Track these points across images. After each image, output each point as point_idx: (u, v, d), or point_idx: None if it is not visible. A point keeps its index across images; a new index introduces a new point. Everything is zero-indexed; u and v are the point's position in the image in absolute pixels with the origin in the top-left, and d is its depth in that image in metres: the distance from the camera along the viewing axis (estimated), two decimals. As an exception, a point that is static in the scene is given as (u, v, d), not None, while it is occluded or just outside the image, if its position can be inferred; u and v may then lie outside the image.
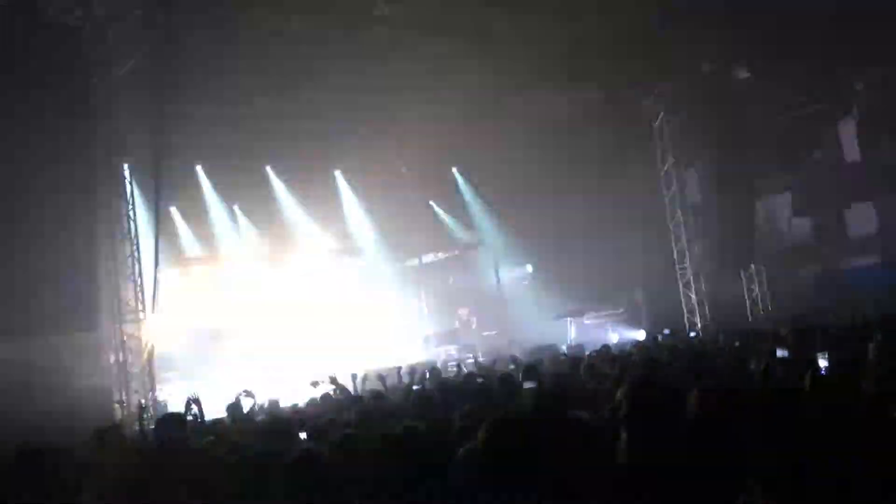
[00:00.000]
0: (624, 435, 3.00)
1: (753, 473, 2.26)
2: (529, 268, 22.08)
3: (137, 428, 7.83)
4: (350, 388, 9.21)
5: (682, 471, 2.61)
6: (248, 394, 8.70)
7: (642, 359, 6.95)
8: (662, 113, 18.75)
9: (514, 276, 22.17)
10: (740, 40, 16.82)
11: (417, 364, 15.21)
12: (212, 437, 6.58)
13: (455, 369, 12.98)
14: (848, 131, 19.78)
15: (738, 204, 18.35)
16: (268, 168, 19.04)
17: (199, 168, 18.00)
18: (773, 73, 18.16)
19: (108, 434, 6.21)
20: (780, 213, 21.26)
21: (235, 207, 19.46)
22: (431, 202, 21.82)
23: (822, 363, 4.29)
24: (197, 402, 7.42)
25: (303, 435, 5.53)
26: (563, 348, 16.36)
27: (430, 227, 21.61)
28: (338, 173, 20.31)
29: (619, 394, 4.02)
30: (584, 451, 3.44)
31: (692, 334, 16.11)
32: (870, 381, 4.64)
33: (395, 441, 4.41)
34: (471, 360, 16.10)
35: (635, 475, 2.80)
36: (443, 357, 17.99)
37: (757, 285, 19.39)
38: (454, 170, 21.42)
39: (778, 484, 2.20)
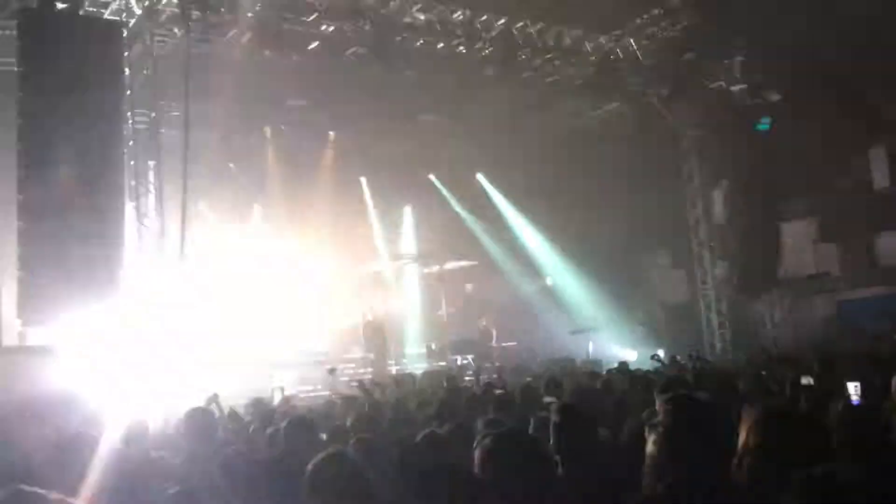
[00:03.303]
0: (654, 447, 2.98)
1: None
2: (550, 280, 22.01)
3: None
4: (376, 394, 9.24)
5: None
6: (281, 390, 8.79)
7: (669, 380, 6.90)
8: (690, 132, 18.68)
9: (534, 288, 22.10)
10: (772, 63, 16.79)
11: (434, 372, 15.28)
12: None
13: (472, 378, 12.94)
14: (879, 158, 19.61)
15: (762, 226, 18.23)
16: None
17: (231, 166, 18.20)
18: (805, 96, 18.06)
19: (136, 427, 6.26)
20: (804, 237, 21.07)
21: (255, 205, 19.62)
22: (457, 209, 21.83)
23: (850, 391, 4.23)
24: (216, 399, 7.48)
25: (322, 436, 5.58)
26: (579, 362, 16.29)
27: (453, 235, 21.62)
28: (363, 180, 20.41)
29: (644, 414, 4.02)
30: (608, 469, 3.45)
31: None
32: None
33: (416, 446, 4.45)
34: (487, 369, 16.08)
35: (665, 496, 2.79)
36: (460, 365, 17.96)
37: (778, 310, 19.23)
38: (479, 176, 21.43)
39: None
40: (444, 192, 21.45)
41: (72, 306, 10.58)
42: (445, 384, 10.08)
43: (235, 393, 10.25)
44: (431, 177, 21.00)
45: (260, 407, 8.20)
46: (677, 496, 2.77)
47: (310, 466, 3.17)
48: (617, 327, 19.78)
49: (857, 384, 3.30)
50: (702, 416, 2.93)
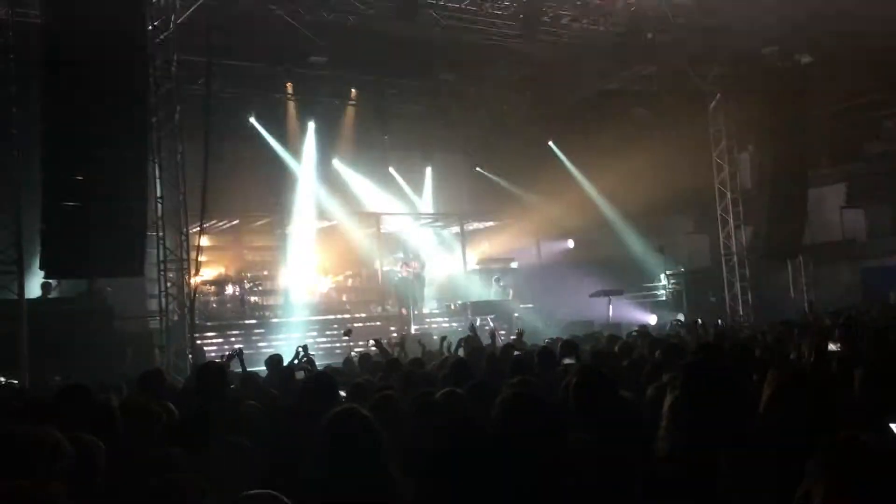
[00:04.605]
0: (668, 416, 2.94)
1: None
2: (571, 243, 21.90)
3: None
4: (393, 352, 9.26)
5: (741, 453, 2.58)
6: (305, 349, 8.79)
7: (696, 344, 6.84)
8: (719, 95, 18.34)
9: (554, 249, 22.02)
10: (804, 26, 16.36)
11: (452, 332, 15.29)
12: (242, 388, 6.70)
13: (489, 339, 12.95)
14: (911, 124, 19.23)
15: (789, 192, 17.93)
16: (311, 124, 19.05)
17: (252, 120, 18.16)
18: (837, 60, 17.64)
19: (150, 377, 6.33)
20: (831, 203, 20.80)
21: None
22: (479, 169, 21.69)
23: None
24: (240, 354, 7.51)
25: (342, 393, 5.58)
26: (598, 325, 16.26)
27: (474, 195, 21.52)
28: (387, 138, 20.31)
29: (666, 378, 3.97)
30: (629, 431, 3.42)
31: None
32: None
33: (434, 405, 4.43)
34: (503, 332, 16.10)
35: (678, 458, 2.76)
36: (478, 325, 17.95)
37: (803, 275, 19.03)
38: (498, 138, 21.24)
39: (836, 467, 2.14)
40: (467, 150, 21.27)
41: (94, 258, 10.67)
42: (463, 345, 10.07)
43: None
44: (454, 136, 20.81)
45: (278, 363, 8.22)
46: (692, 459, 2.74)
47: (323, 421, 3.16)
48: (638, 291, 19.70)
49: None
50: (718, 382, 2.88)
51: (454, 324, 18.12)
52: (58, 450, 2.69)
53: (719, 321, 12.33)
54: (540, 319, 18.20)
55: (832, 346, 5.67)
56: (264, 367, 8.48)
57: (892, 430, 3.37)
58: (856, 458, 2.18)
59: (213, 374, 5.39)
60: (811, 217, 19.05)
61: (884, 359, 5.00)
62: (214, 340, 15.30)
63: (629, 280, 19.57)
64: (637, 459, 3.04)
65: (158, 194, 12.98)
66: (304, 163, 19.07)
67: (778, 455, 2.58)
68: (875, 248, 19.65)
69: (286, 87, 17.91)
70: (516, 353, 8.26)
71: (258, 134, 18.34)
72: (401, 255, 20.06)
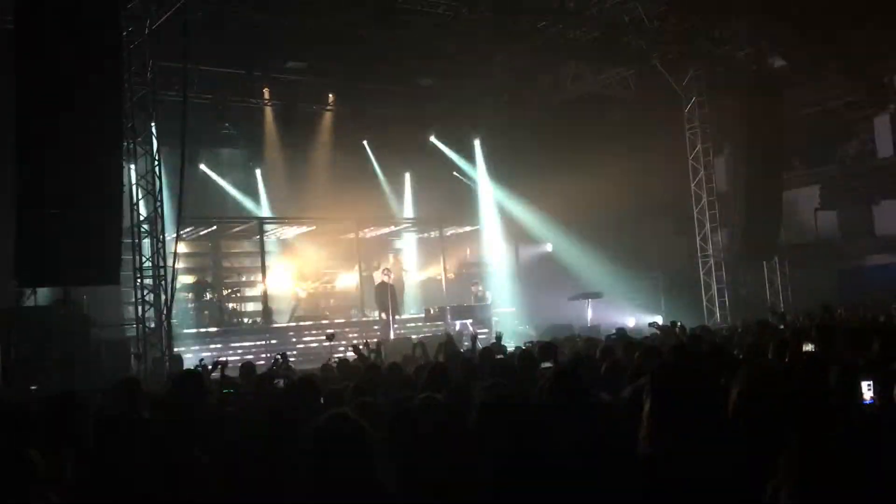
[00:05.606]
0: (647, 419, 2.96)
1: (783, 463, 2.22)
2: (549, 246, 21.96)
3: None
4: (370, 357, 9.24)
5: (709, 461, 2.59)
6: (284, 357, 8.76)
7: (671, 345, 6.88)
8: (695, 98, 18.50)
9: (533, 253, 22.07)
10: (778, 29, 16.56)
11: (433, 337, 15.27)
12: (230, 391, 6.66)
13: (469, 343, 12.94)
14: (883, 126, 19.49)
15: (765, 194, 18.13)
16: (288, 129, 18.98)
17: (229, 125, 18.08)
18: (811, 63, 17.87)
19: (127, 386, 6.26)
20: (806, 205, 21.04)
21: (258, 171, 19.62)
22: (455, 174, 21.68)
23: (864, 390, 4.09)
24: (223, 365, 7.47)
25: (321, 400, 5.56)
26: (577, 329, 16.30)
27: (453, 200, 21.50)
28: (365, 142, 20.30)
29: (642, 379, 4.00)
30: (605, 433, 3.44)
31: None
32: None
33: (412, 411, 4.42)
34: (483, 336, 16.09)
35: (658, 459, 2.77)
36: (458, 330, 17.95)
37: (779, 277, 19.22)
38: (476, 142, 21.27)
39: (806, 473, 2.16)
40: (446, 154, 21.24)
41: (70, 266, 10.56)
42: (443, 349, 10.05)
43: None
44: (433, 139, 20.80)
45: (251, 372, 8.18)
46: (669, 460, 2.76)
47: (312, 426, 3.14)
48: (615, 294, 19.77)
49: (871, 382, 3.15)
50: (688, 383, 2.91)
51: (435, 329, 18.10)
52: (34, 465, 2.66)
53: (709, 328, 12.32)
54: (519, 323, 18.23)
55: (807, 347, 5.73)
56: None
57: (861, 388, 3.39)
58: (826, 455, 2.20)
59: (191, 382, 5.34)
60: (786, 219, 19.26)
61: (858, 359, 5.06)
62: (192, 348, 15.15)
63: (608, 283, 19.65)
64: (613, 461, 3.06)
65: (134, 201, 12.90)
66: (282, 168, 19.00)
67: (748, 452, 2.61)
68: (850, 250, 19.89)
69: (263, 92, 17.84)
70: (498, 356, 8.28)
71: (236, 139, 18.26)
72: (380, 260, 20.04)
